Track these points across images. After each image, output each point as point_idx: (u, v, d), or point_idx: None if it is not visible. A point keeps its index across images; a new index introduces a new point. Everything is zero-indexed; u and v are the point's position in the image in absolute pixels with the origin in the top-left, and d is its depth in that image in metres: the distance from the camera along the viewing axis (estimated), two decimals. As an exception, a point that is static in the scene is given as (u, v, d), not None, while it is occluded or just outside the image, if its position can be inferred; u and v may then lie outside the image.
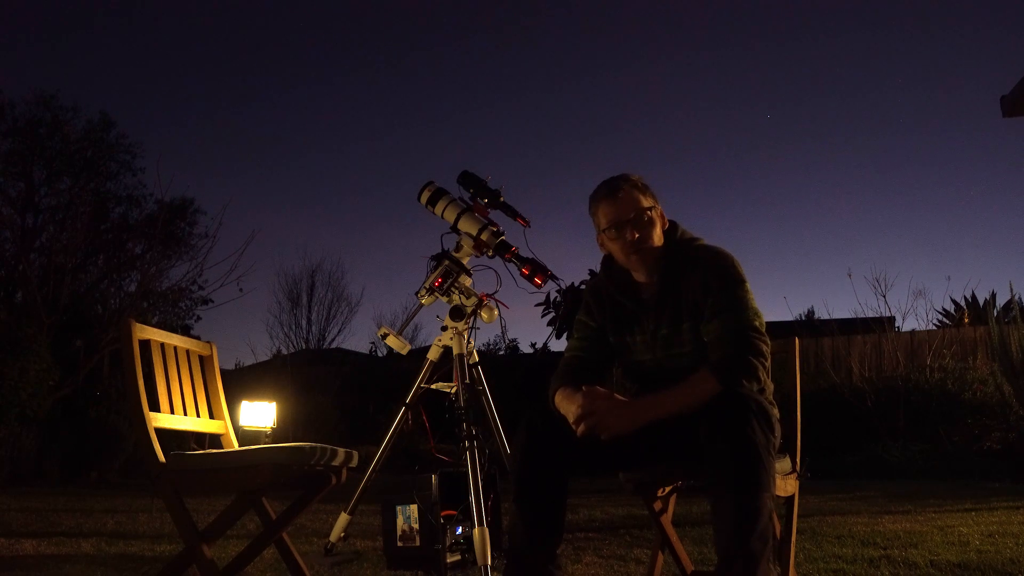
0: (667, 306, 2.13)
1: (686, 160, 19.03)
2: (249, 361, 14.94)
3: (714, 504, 1.83)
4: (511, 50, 19.78)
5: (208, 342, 2.85)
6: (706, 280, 2.08)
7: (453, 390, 2.93)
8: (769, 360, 2.03)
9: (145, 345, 2.51)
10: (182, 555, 2.37)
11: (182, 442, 7.23)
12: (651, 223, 2.14)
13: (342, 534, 3.40)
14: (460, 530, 2.93)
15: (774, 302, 20.22)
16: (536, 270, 2.90)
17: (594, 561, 3.23)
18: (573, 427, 1.97)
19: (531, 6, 18.88)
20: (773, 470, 1.87)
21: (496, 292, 3.06)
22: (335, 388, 11.54)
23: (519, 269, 2.93)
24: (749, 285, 2.09)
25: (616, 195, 2.14)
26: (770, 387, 2.12)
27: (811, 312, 13.40)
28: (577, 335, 2.29)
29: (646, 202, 2.15)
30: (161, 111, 20.05)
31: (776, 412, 2.08)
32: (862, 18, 17.57)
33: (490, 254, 3.02)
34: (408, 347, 3.22)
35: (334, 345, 15.98)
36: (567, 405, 2.02)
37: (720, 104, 19.12)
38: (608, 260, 2.27)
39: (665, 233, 2.19)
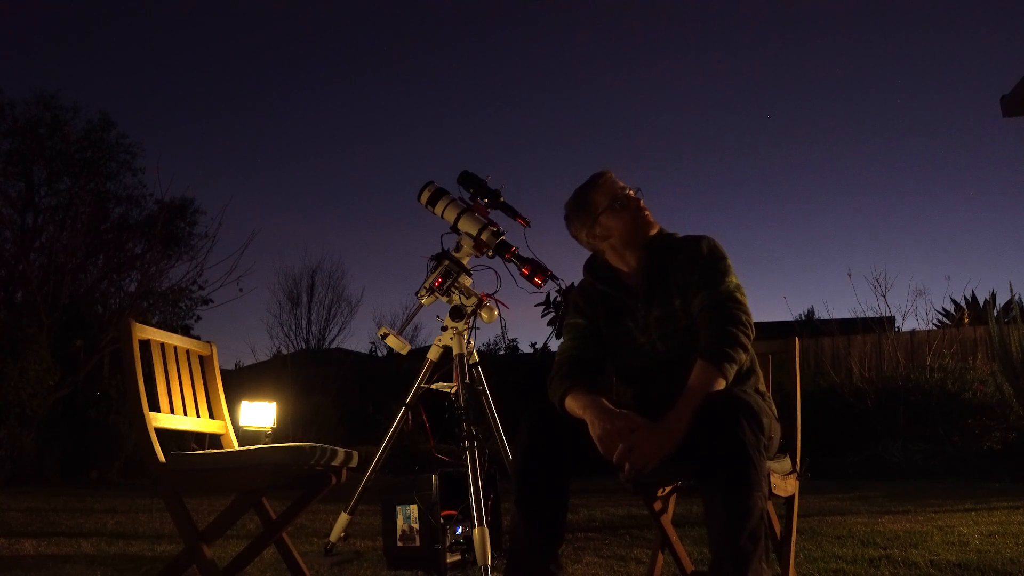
0: (655, 288, 2.18)
1: (686, 160, 19.03)
2: (249, 361, 14.91)
3: (706, 504, 1.84)
4: (511, 51, 19.78)
5: (208, 342, 2.85)
6: (691, 256, 2.15)
7: (453, 390, 2.93)
8: (752, 329, 2.07)
9: (145, 345, 2.51)
10: (182, 555, 2.37)
11: (182, 442, 7.23)
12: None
13: (342, 534, 3.40)
14: (460, 530, 2.93)
15: (774, 302, 20.22)
16: (536, 270, 2.90)
17: (594, 561, 3.23)
18: (602, 451, 1.92)
19: (532, 8, 18.88)
20: (764, 469, 1.87)
21: (496, 292, 3.06)
22: (335, 388, 11.52)
23: (519, 269, 2.93)
24: (730, 261, 2.16)
25: (605, 178, 2.27)
26: (761, 375, 2.19)
27: (811, 312, 13.37)
28: (568, 336, 2.29)
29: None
30: (161, 111, 20.05)
31: (772, 408, 2.11)
32: (862, 18, 17.57)
33: (490, 254, 3.02)
34: (408, 347, 3.22)
35: (334, 345, 15.98)
36: (594, 419, 1.96)
37: (720, 104, 19.12)
38: (589, 262, 2.33)
39: None
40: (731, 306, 2.06)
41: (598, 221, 2.23)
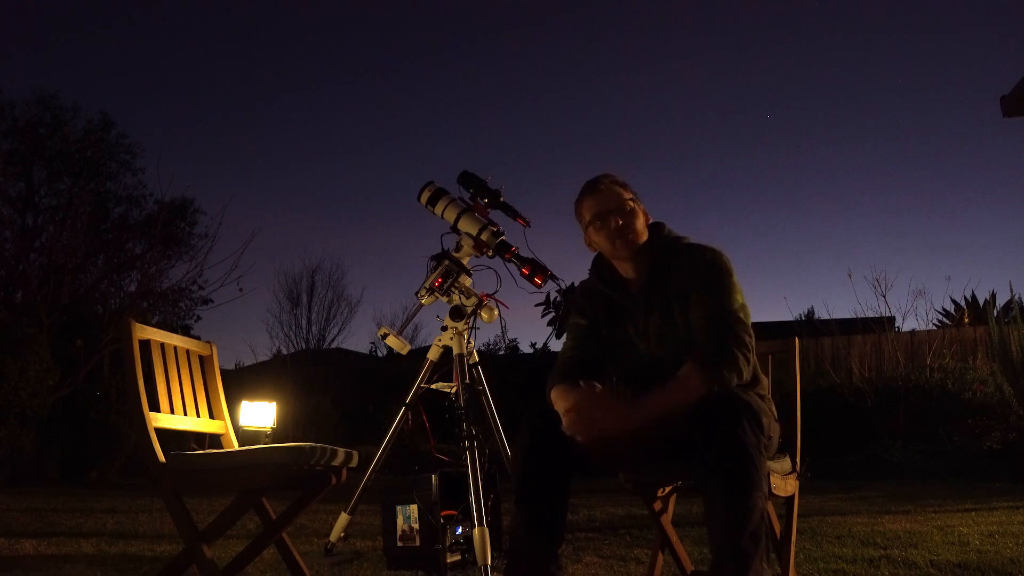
0: (656, 296, 2.16)
1: (687, 160, 19.03)
2: (249, 361, 14.89)
3: (707, 505, 1.83)
4: (511, 51, 19.79)
5: (208, 342, 2.85)
6: (693, 269, 2.12)
7: (453, 390, 2.93)
8: (753, 352, 2.04)
9: (145, 345, 2.51)
10: (182, 555, 2.37)
11: (182, 442, 7.22)
12: (633, 213, 2.20)
13: (342, 534, 3.40)
14: (460, 530, 2.93)
15: (774, 302, 20.25)
16: (536, 270, 2.90)
17: (594, 561, 3.23)
18: (565, 426, 1.95)
19: (533, 8, 18.88)
20: (765, 469, 1.87)
21: (496, 292, 3.06)
22: (335, 388, 11.52)
23: (519, 269, 2.93)
24: (736, 279, 2.12)
25: (597, 188, 2.22)
26: (765, 381, 2.17)
27: (811, 312, 13.35)
28: (570, 335, 2.29)
29: (627, 194, 2.22)
30: (161, 111, 20.05)
31: (772, 408, 2.10)
32: (862, 19, 17.57)
33: (490, 254, 3.02)
34: (408, 347, 3.22)
35: (334, 345, 15.97)
36: (561, 402, 2.01)
37: (720, 105, 19.12)
38: (596, 261, 2.32)
39: (651, 230, 2.23)
40: (736, 326, 2.03)
41: (586, 232, 2.25)
